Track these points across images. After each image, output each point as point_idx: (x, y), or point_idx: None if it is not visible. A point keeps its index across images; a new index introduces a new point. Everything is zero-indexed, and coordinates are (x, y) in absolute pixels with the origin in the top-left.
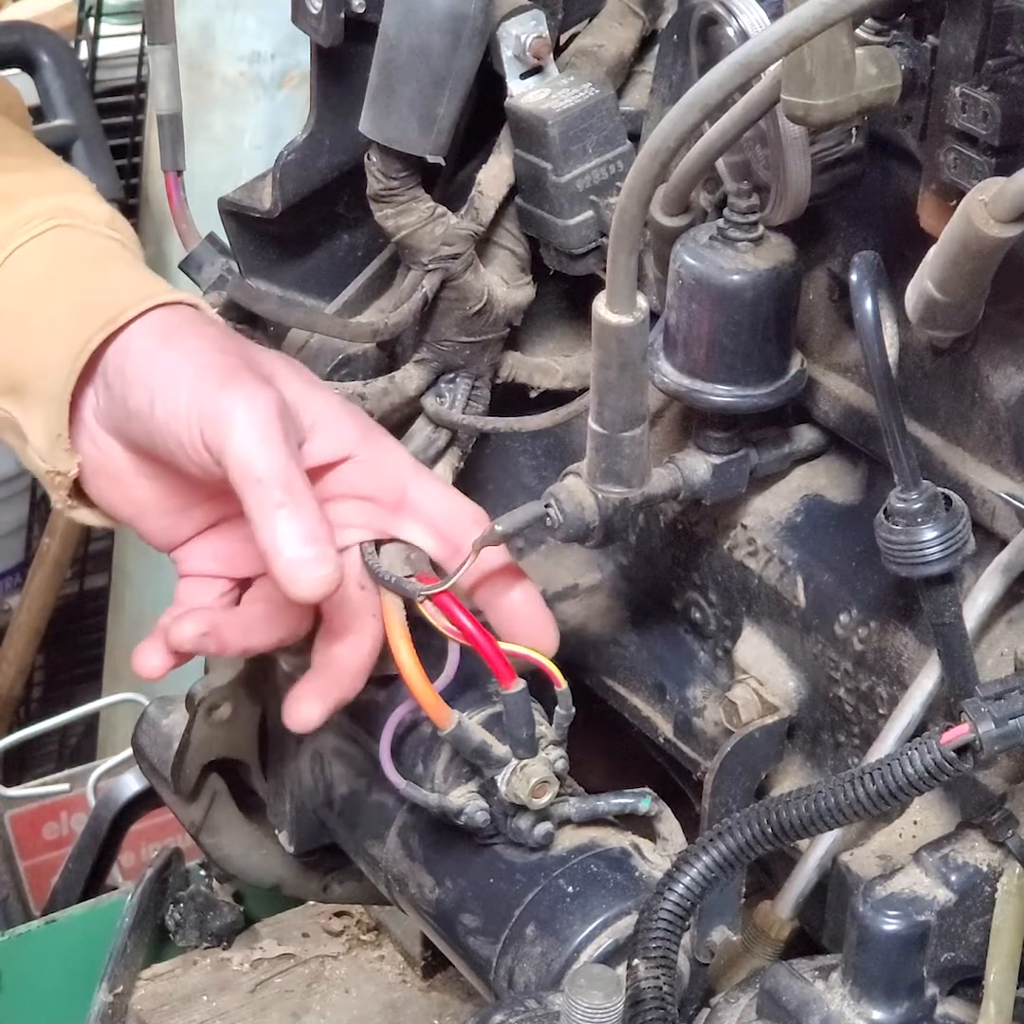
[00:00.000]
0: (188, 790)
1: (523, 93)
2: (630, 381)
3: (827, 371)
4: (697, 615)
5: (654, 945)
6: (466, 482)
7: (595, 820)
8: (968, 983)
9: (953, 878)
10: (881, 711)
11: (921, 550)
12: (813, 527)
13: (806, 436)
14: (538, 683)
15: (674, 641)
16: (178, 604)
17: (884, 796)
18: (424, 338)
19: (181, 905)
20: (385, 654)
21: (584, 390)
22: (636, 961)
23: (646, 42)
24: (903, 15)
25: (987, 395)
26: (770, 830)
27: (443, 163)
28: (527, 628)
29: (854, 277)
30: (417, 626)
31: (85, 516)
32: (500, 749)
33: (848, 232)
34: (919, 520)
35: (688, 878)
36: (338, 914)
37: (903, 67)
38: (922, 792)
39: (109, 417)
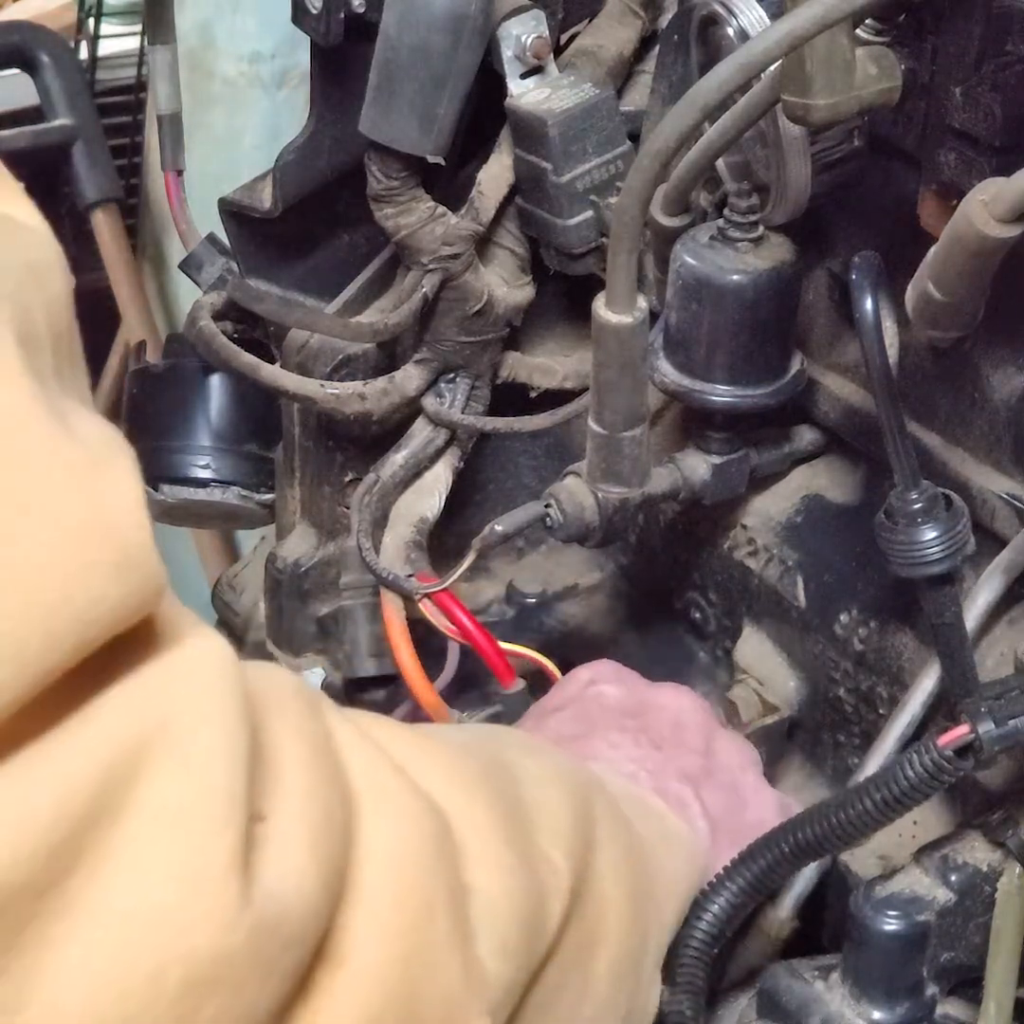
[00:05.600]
0: None
1: (523, 93)
2: (630, 381)
3: (827, 371)
4: (697, 615)
5: (680, 971)
6: (466, 482)
7: None
8: (968, 983)
9: (953, 878)
10: (881, 711)
11: (921, 550)
12: (813, 527)
13: (806, 436)
14: (538, 683)
15: (674, 641)
16: None
17: (890, 804)
18: (424, 338)
19: None
20: (385, 652)
21: (584, 390)
22: (661, 987)
23: (646, 42)
24: (903, 15)
25: (987, 395)
26: (788, 851)
27: (443, 163)
28: None
29: (854, 277)
30: (417, 626)
31: None
32: None
33: (848, 232)
34: (919, 520)
35: (716, 906)
36: None
37: (903, 67)
38: (927, 796)
39: None
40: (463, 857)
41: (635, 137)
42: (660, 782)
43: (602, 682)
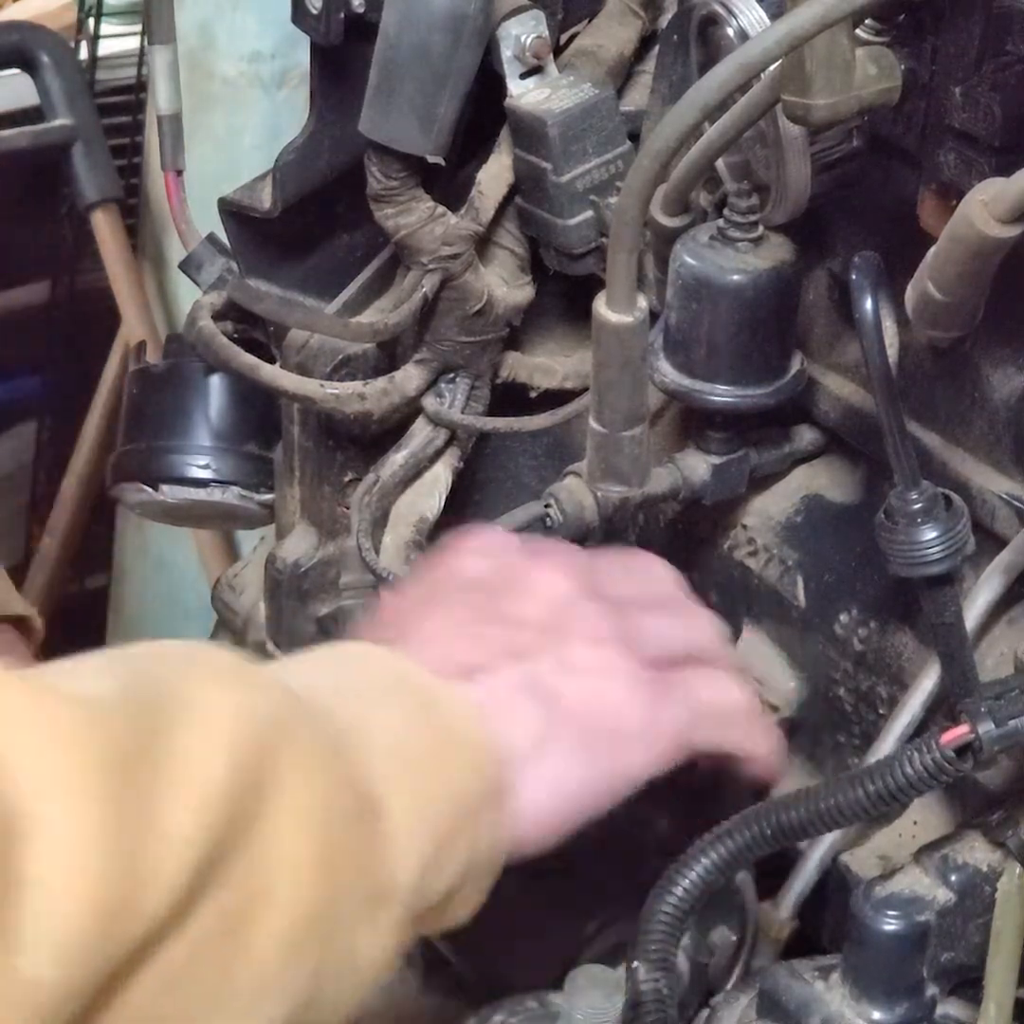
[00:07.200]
0: None
1: (523, 93)
2: (630, 381)
3: (827, 371)
4: None
5: (653, 947)
6: (466, 482)
7: None
8: (968, 983)
9: (953, 878)
10: (881, 711)
11: (921, 550)
12: (813, 527)
13: (806, 436)
14: None
15: None
16: None
17: (883, 797)
18: (424, 338)
19: None
20: None
21: (584, 390)
22: (635, 963)
23: (646, 42)
24: (903, 15)
25: (987, 395)
26: (769, 832)
27: (443, 163)
28: None
29: (854, 277)
30: None
31: None
32: None
33: (848, 232)
34: (919, 520)
35: (687, 881)
36: None
37: (903, 67)
38: (922, 793)
39: None
40: (27, 845)
41: (635, 137)
42: (478, 662)
43: (470, 553)
